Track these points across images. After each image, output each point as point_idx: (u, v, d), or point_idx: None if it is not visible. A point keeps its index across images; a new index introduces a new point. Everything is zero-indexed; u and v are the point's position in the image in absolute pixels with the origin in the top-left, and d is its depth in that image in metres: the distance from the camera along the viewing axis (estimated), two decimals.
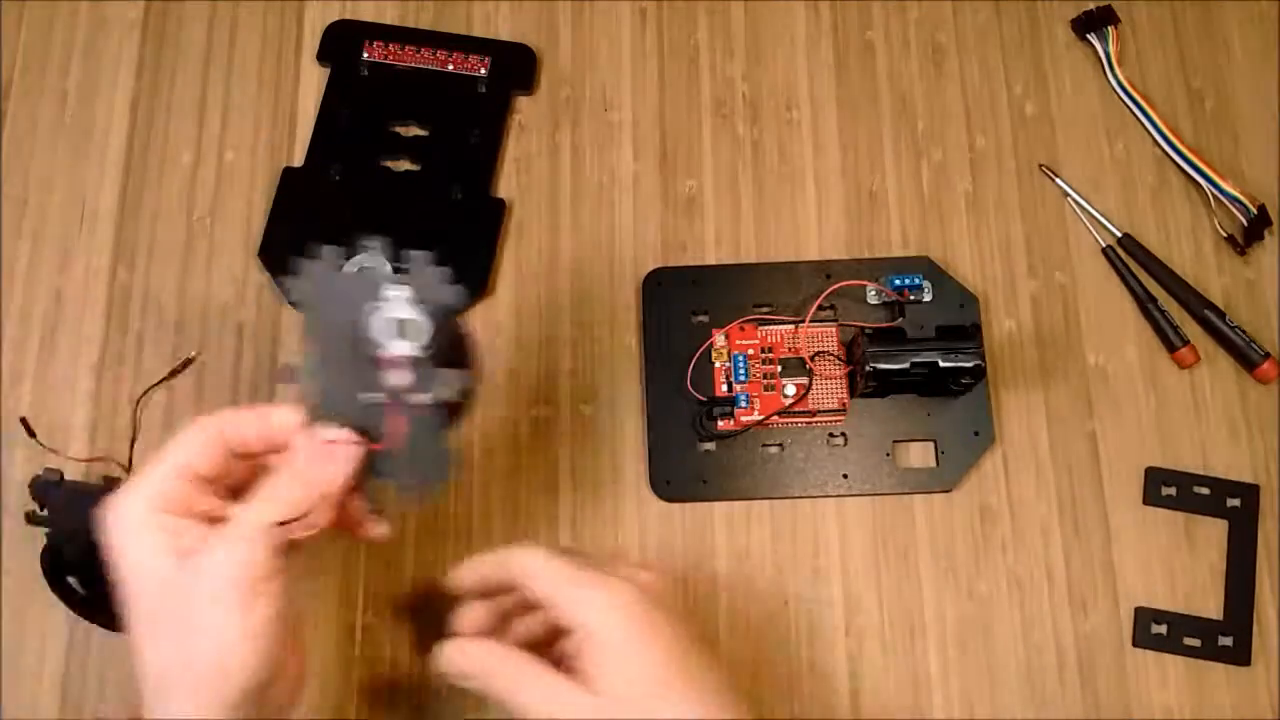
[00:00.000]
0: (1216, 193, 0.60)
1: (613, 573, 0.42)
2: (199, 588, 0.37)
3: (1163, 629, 0.54)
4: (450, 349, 0.43)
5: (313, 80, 0.63)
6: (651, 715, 0.40)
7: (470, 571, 0.46)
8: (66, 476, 0.52)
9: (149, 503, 0.39)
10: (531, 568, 0.43)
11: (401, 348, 0.41)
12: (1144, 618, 0.54)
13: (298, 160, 0.62)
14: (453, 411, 0.43)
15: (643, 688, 0.40)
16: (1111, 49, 0.63)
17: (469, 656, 0.43)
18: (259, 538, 0.38)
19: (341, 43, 0.63)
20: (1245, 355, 0.57)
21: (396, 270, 0.43)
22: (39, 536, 0.50)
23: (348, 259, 0.42)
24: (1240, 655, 0.53)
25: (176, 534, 0.38)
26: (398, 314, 0.41)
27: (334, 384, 0.41)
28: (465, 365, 0.43)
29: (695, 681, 0.41)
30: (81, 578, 0.50)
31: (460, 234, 0.60)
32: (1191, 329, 0.58)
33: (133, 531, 0.39)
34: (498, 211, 0.60)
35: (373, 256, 0.43)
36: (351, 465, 0.40)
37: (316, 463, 0.40)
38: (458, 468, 0.45)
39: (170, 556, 0.38)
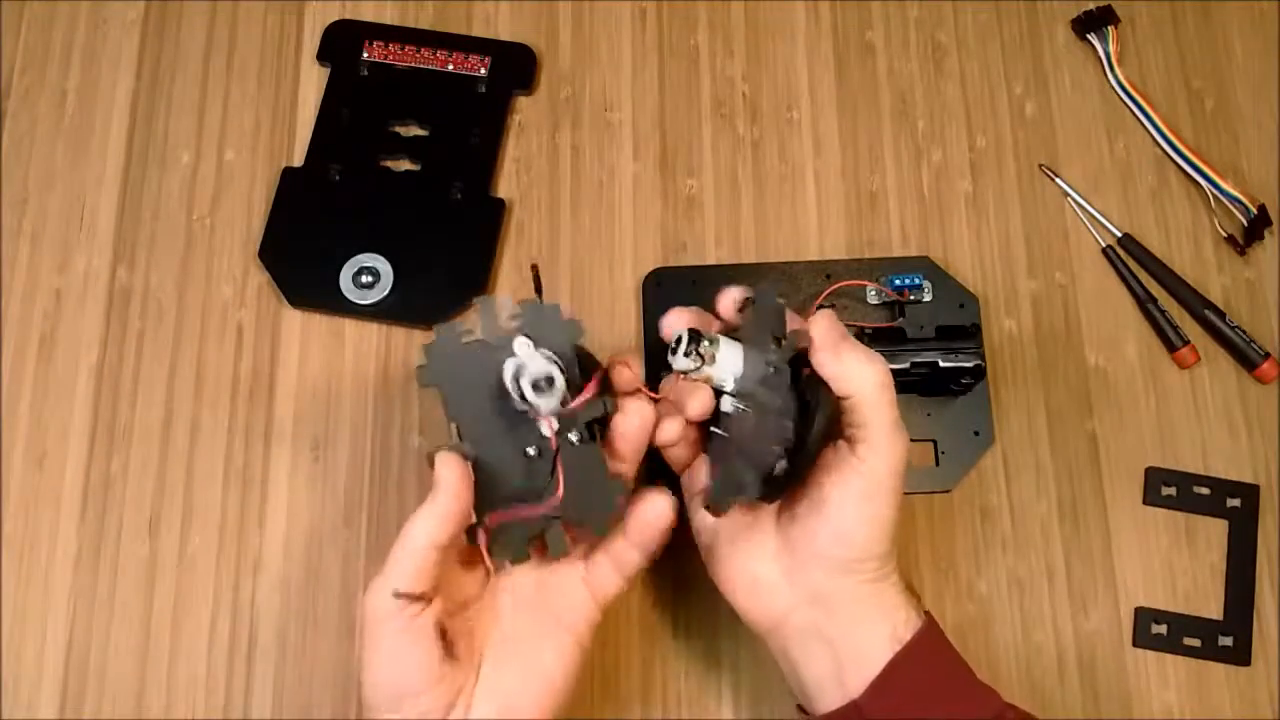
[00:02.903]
0: (1216, 193, 0.60)
1: None
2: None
3: (1163, 629, 0.54)
4: (581, 375, 0.44)
5: (313, 80, 0.63)
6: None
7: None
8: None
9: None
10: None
11: (550, 397, 0.42)
12: (1144, 618, 0.54)
13: (298, 160, 0.62)
14: (601, 432, 0.44)
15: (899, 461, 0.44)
16: (1111, 49, 0.63)
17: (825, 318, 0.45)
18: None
19: (341, 43, 0.63)
20: (1245, 355, 0.57)
21: (513, 322, 0.45)
22: None
23: (459, 331, 0.44)
24: (1240, 655, 0.53)
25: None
26: (535, 365, 0.42)
27: (493, 451, 0.43)
28: (599, 386, 0.44)
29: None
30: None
31: (460, 234, 0.60)
32: (1191, 329, 0.58)
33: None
34: (498, 211, 0.60)
35: (486, 310, 0.44)
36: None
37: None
38: (625, 493, 0.45)
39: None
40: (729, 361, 0.45)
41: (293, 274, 0.59)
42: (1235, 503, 0.55)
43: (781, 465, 0.43)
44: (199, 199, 0.61)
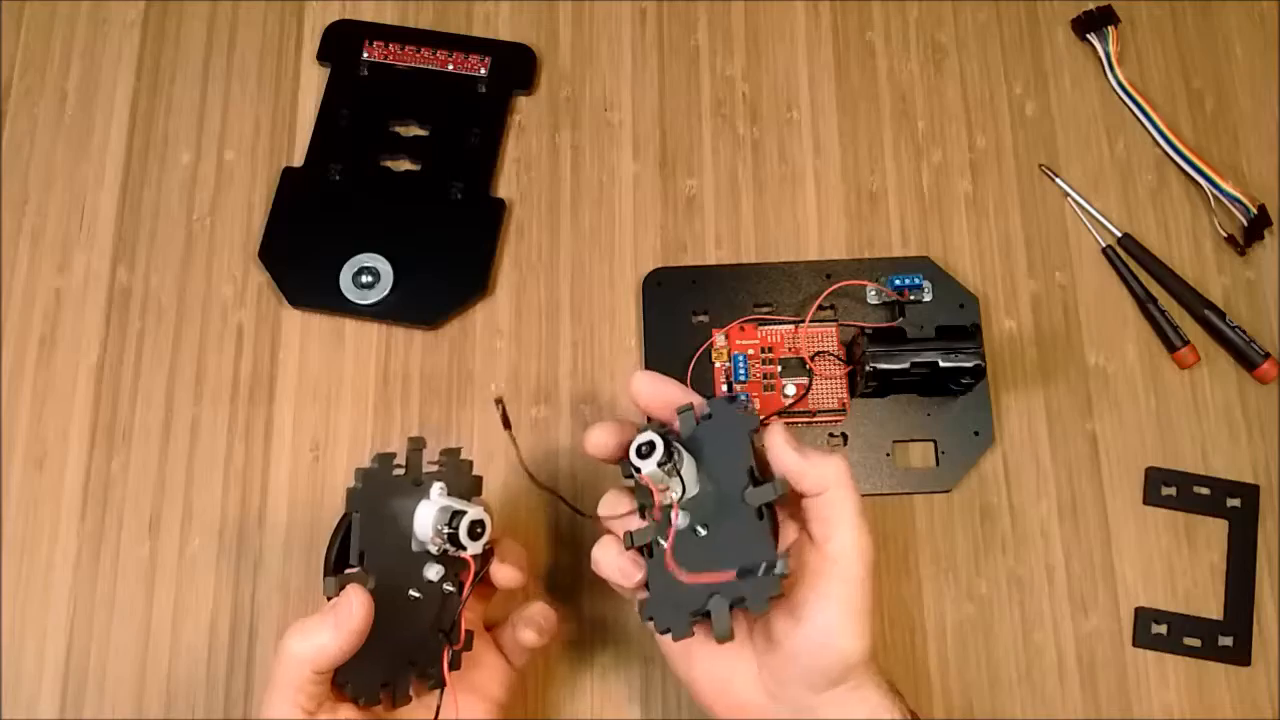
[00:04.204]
0: (1216, 193, 0.60)
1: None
2: None
3: (1163, 629, 0.54)
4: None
5: (313, 80, 0.63)
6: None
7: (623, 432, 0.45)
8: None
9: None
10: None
11: (478, 543, 0.44)
12: (1144, 618, 0.54)
13: (298, 160, 0.62)
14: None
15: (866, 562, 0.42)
16: (1111, 49, 0.63)
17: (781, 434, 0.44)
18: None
19: (341, 43, 0.63)
20: (1245, 355, 0.57)
21: (433, 465, 0.47)
22: None
23: (392, 463, 0.46)
24: (1240, 655, 0.53)
25: None
26: (474, 511, 0.44)
27: (386, 586, 0.43)
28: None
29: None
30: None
31: (460, 234, 0.60)
32: (1191, 329, 0.58)
33: None
34: (498, 211, 0.60)
35: (414, 449, 0.46)
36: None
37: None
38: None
39: None
40: (689, 474, 0.43)
41: (293, 274, 0.59)
42: (1235, 503, 0.55)
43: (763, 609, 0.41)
44: (199, 199, 0.61)
